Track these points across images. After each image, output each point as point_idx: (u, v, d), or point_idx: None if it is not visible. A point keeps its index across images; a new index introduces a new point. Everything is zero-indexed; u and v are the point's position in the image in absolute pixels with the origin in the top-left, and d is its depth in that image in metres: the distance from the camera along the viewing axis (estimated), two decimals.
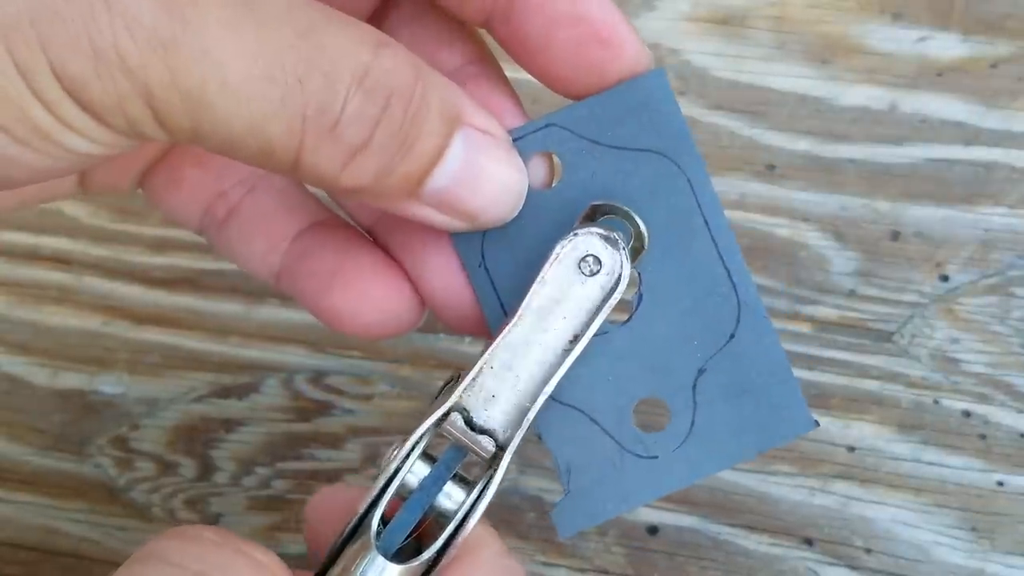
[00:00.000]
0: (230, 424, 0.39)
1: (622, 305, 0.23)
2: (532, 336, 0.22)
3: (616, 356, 0.23)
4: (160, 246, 0.41)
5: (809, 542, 0.37)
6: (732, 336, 0.23)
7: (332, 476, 0.38)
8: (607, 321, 0.23)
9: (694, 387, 0.23)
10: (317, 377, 0.40)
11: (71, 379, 0.40)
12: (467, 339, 0.39)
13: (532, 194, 0.23)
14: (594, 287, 0.22)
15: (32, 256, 0.41)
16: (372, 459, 0.38)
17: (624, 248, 0.22)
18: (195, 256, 0.41)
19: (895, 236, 0.39)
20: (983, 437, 0.37)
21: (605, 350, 0.23)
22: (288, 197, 0.26)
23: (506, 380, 0.22)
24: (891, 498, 0.37)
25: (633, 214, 0.23)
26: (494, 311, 0.24)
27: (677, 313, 0.23)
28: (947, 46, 0.40)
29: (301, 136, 0.19)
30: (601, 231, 0.22)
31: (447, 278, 0.24)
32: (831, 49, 0.41)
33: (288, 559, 0.36)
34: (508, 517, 0.38)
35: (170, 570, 0.20)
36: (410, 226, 0.24)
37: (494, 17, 0.22)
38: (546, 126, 0.23)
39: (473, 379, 0.22)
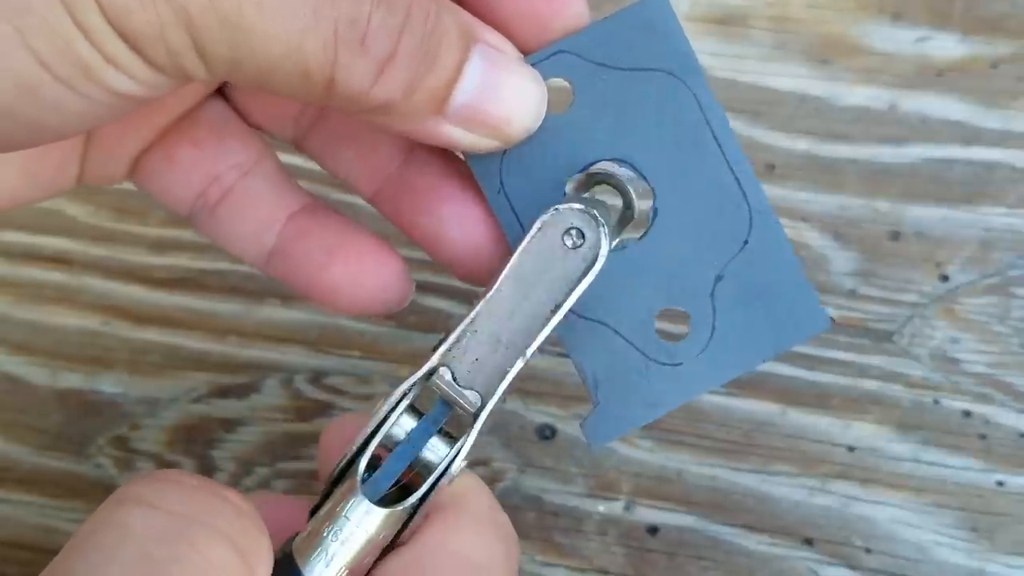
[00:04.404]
0: (230, 424, 0.39)
1: (638, 221, 0.24)
2: (515, 304, 0.23)
3: (635, 270, 0.24)
4: (160, 246, 0.41)
5: (809, 542, 0.37)
6: (746, 242, 0.24)
7: None
8: (625, 235, 0.24)
9: (712, 294, 0.24)
10: (317, 377, 0.40)
11: (71, 379, 0.40)
12: None
13: (546, 118, 0.23)
14: (576, 259, 0.23)
15: (32, 256, 0.41)
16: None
17: (603, 225, 0.23)
18: (195, 256, 0.41)
19: (895, 236, 0.39)
20: (983, 437, 0.37)
21: (624, 264, 0.24)
22: (280, 182, 0.27)
23: (489, 344, 0.23)
24: (891, 498, 0.37)
25: (625, 183, 0.24)
26: (516, 236, 0.24)
27: (692, 224, 0.24)
28: (947, 46, 0.40)
29: (335, 52, 0.19)
30: (581, 207, 0.23)
31: (467, 226, 0.25)
32: (831, 49, 0.41)
33: None
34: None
35: (153, 513, 0.19)
36: (425, 180, 0.25)
37: None
38: (556, 52, 0.23)
39: (457, 340, 0.23)
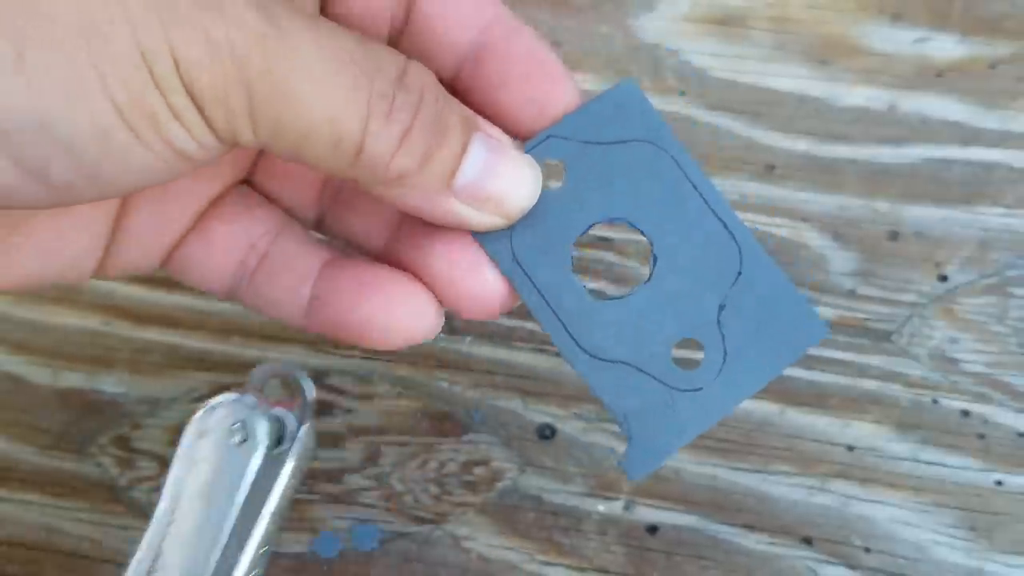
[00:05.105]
0: None
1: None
2: (201, 520, 0.21)
3: (645, 310, 0.26)
4: None
5: (808, 541, 0.37)
6: (740, 273, 0.26)
7: (332, 476, 0.38)
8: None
9: (719, 321, 0.26)
10: (317, 377, 0.40)
11: (72, 379, 0.40)
12: (467, 339, 0.39)
13: (545, 194, 0.26)
14: (250, 453, 0.21)
15: None
16: (372, 459, 0.38)
17: (261, 407, 0.22)
18: None
19: (894, 236, 0.39)
20: (982, 437, 0.37)
21: (634, 307, 0.26)
22: (307, 239, 0.29)
23: (194, 570, 0.21)
24: (890, 497, 0.37)
25: (300, 379, 0.23)
26: (534, 298, 0.26)
27: (689, 265, 0.27)
28: (946, 46, 0.40)
29: (366, 121, 0.22)
30: (234, 396, 0.22)
31: (472, 269, 0.26)
32: (831, 49, 0.41)
33: (288, 558, 0.37)
34: (508, 517, 0.38)
35: None
36: (430, 231, 0.26)
37: (465, 61, 0.26)
38: (546, 138, 0.26)
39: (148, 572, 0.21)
